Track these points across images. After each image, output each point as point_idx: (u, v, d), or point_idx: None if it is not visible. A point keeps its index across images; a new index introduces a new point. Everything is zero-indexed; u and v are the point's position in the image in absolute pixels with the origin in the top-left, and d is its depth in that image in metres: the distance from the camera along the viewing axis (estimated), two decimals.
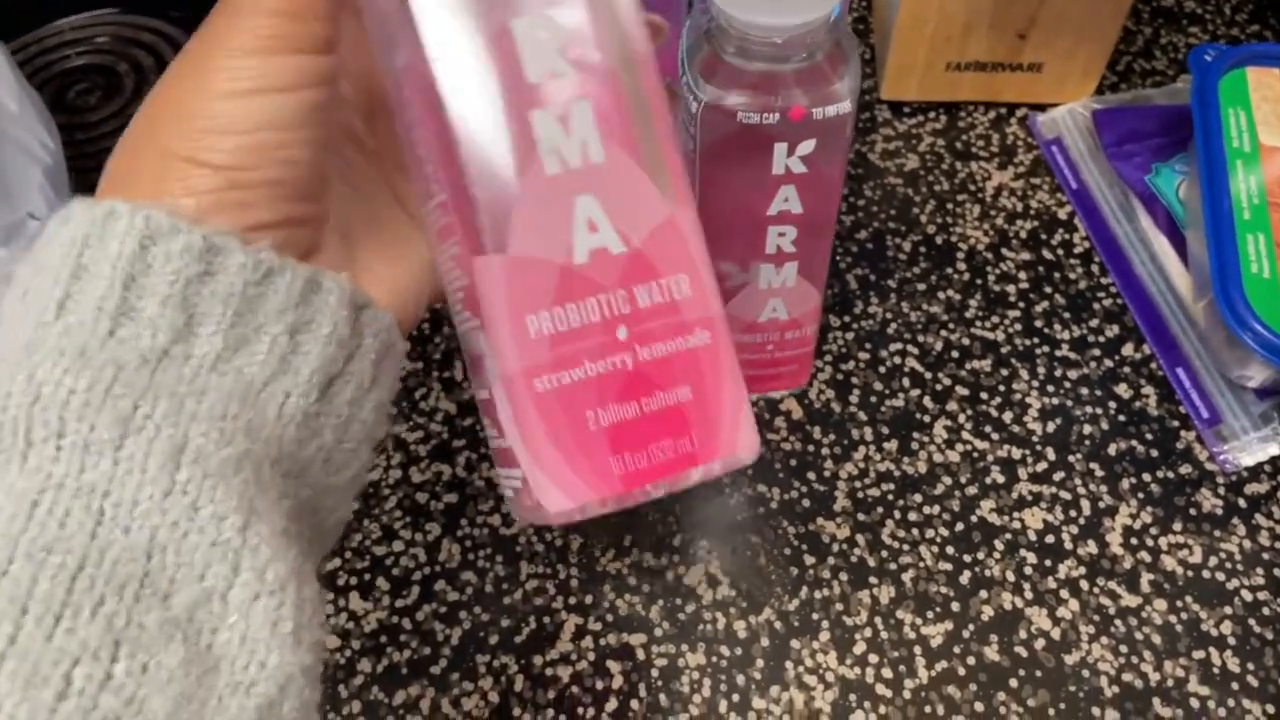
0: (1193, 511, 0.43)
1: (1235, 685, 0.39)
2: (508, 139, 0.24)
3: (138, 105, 0.48)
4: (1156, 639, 0.40)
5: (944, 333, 0.48)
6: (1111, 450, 0.44)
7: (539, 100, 0.24)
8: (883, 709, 0.39)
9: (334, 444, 0.24)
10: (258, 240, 0.22)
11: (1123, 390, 0.46)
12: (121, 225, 0.21)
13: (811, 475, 0.44)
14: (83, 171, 0.54)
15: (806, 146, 0.35)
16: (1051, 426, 0.45)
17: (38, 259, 0.22)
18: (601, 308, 0.25)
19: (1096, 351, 0.47)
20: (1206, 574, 0.41)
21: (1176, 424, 0.45)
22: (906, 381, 0.46)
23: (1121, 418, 0.45)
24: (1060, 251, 0.50)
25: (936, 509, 0.43)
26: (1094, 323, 0.48)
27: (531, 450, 0.24)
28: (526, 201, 0.24)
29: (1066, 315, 0.48)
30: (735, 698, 0.39)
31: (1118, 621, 0.40)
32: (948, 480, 0.44)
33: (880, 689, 0.39)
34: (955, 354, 0.47)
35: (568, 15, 0.24)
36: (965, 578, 0.41)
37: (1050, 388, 0.46)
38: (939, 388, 0.46)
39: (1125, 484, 0.44)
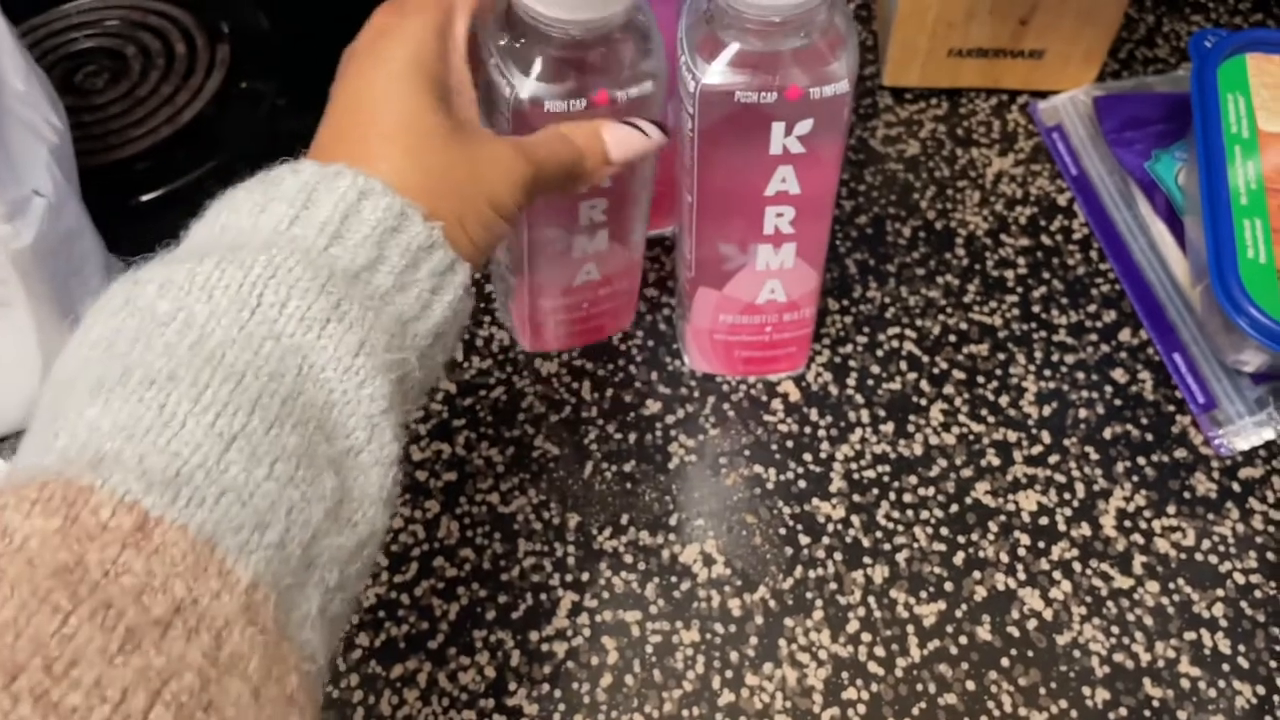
0: (1187, 495, 0.43)
1: (1226, 666, 0.39)
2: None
3: (144, 88, 0.49)
4: (1148, 620, 0.40)
5: (942, 317, 0.48)
6: (1107, 434, 0.45)
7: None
8: (875, 687, 0.39)
9: (423, 380, 0.30)
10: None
11: (1119, 375, 0.46)
12: (346, 180, 0.28)
13: (808, 456, 0.44)
14: (91, 152, 0.54)
15: (804, 127, 0.35)
16: (1047, 410, 0.45)
17: (270, 191, 0.28)
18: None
19: (1094, 336, 0.47)
20: (1199, 557, 0.42)
21: (1172, 408, 0.45)
22: (904, 365, 0.47)
23: (1117, 402, 0.46)
24: (1059, 237, 0.51)
25: (931, 491, 0.43)
26: (1091, 308, 0.48)
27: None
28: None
29: (1064, 301, 0.48)
30: (728, 674, 0.39)
31: (1110, 603, 0.41)
32: (943, 463, 0.44)
33: (873, 667, 0.39)
34: (953, 338, 0.47)
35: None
36: (959, 558, 0.42)
37: (1047, 372, 0.46)
38: (936, 371, 0.46)
39: (1120, 467, 0.44)
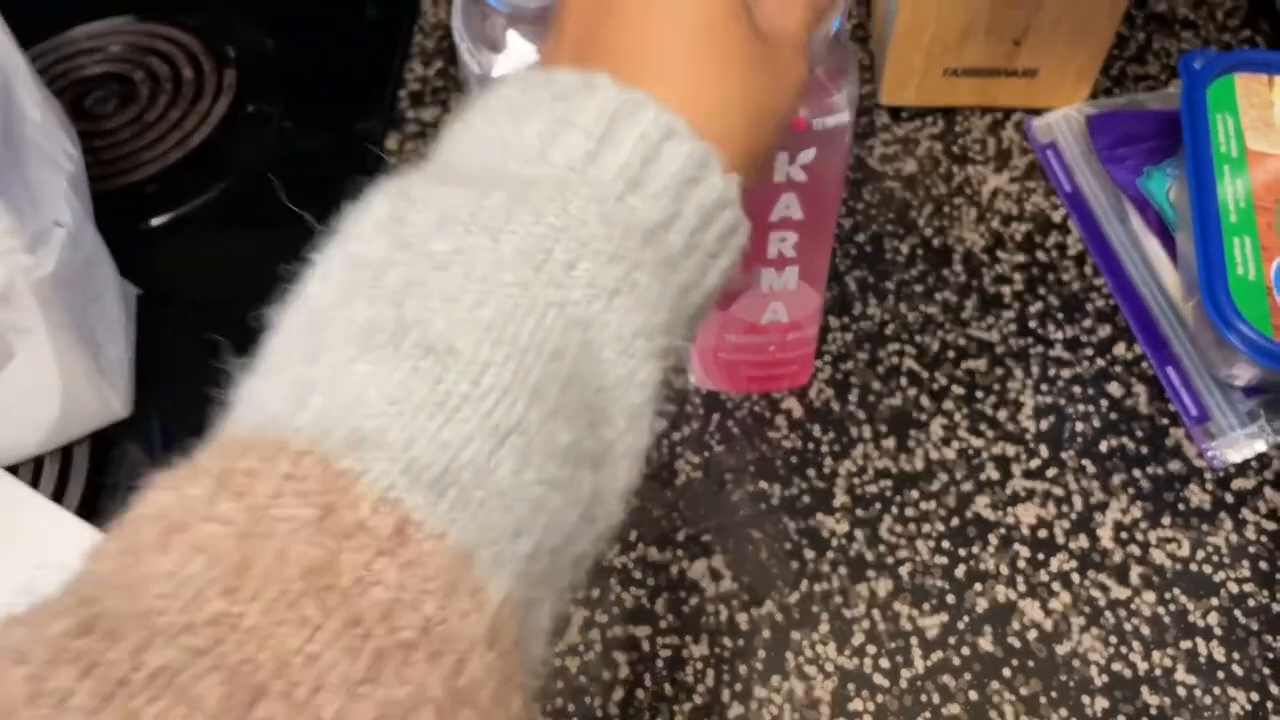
0: (1181, 506, 0.44)
1: (1221, 674, 0.40)
2: None
3: (153, 112, 0.49)
4: (1145, 630, 0.41)
5: (940, 333, 0.49)
6: (1103, 447, 0.46)
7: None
8: (880, 698, 0.40)
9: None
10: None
11: (1114, 389, 0.47)
12: (649, 115, 0.24)
13: (811, 472, 0.45)
14: (101, 178, 0.55)
15: (806, 156, 0.36)
16: (1045, 424, 0.46)
17: (562, 111, 0.24)
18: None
19: (1089, 351, 0.48)
20: (1194, 567, 0.43)
21: (1166, 421, 0.46)
22: (904, 381, 0.48)
23: (1113, 415, 0.47)
24: (1054, 253, 0.52)
25: (933, 504, 0.44)
26: (1087, 323, 0.49)
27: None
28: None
29: (1060, 316, 0.50)
30: (738, 687, 0.40)
31: (1108, 613, 0.42)
32: (944, 477, 0.45)
33: (878, 678, 0.40)
34: (951, 354, 0.48)
35: None
36: (960, 571, 0.43)
37: (1044, 386, 0.47)
38: (935, 387, 0.47)
39: (1116, 480, 0.45)
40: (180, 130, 0.58)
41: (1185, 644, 0.41)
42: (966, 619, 0.42)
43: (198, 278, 0.53)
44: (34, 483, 0.45)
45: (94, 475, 0.46)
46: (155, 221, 0.55)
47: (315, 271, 0.23)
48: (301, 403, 0.20)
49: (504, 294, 0.21)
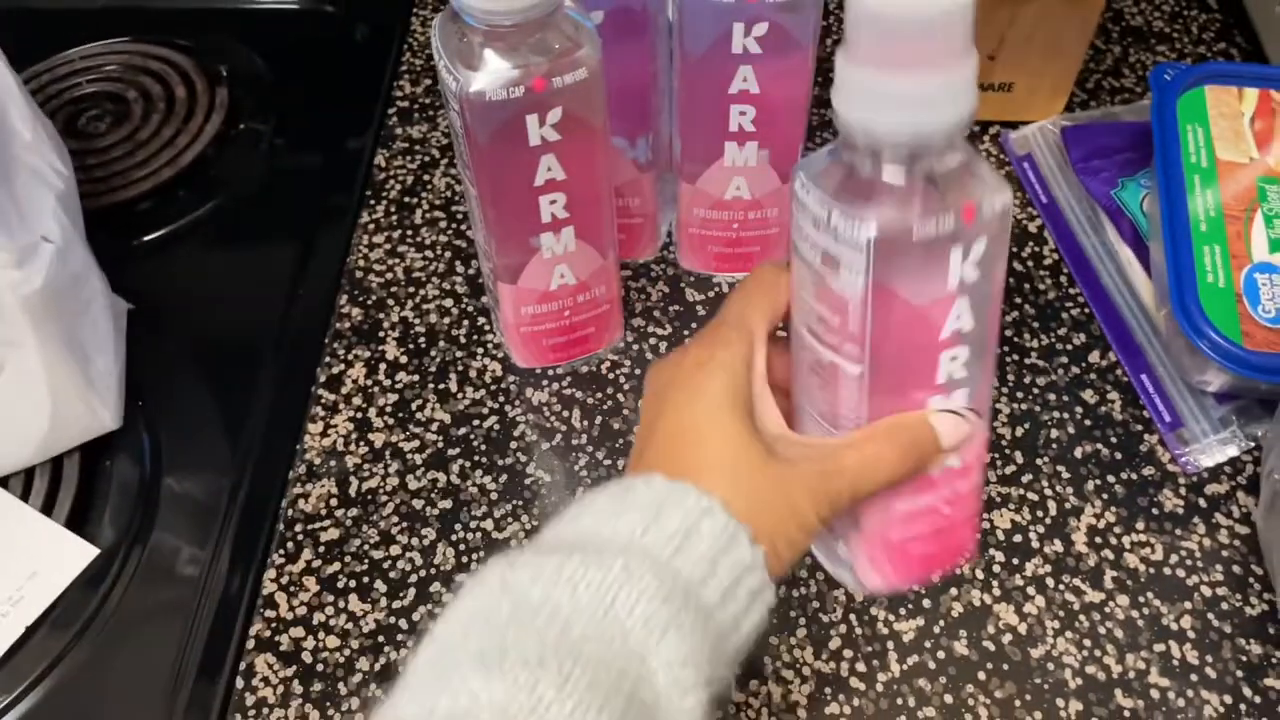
0: (1155, 511, 0.45)
1: (1194, 677, 0.41)
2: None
3: (146, 130, 0.50)
4: (1119, 633, 0.42)
5: None
6: (1078, 453, 0.46)
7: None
8: (856, 701, 0.40)
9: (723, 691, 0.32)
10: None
11: (1089, 396, 0.48)
12: (691, 498, 0.30)
13: None
14: (94, 195, 0.56)
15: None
16: (1020, 431, 0.47)
17: (627, 499, 0.31)
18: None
19: (1064, 359, 0.49)
20: (1168, 570, 0.43)
21: (1140, 428, 0.47)
22: None
23: (1087, 422, 0.47)
24: (1030, 263, 0.52)
25: None
26: (1062, 331, 0.50)
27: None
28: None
29: (1036, 324, 0.50)
30: None
31: (1082, 617, 0.42)
32: None
33: (854, 682, 0.41)
34: None
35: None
36: (936, 576, 0.43)
37: (1020, 394, 0.48)
38: None
39: (1090, 485, 0.45)
40: (173, 148, 0.59)
41: (1159, 647, 0.42)
42: (942, 623, 0.42)
43: (189, 293, 0.54)
44: (24, 495, 0.46)
45: (84, 487, 0.46)
46: (147, 238, 0.56)
47: (440, 619, 0.29)
48: (430, 710, 0.26)
49: (581, 627, 0.27)
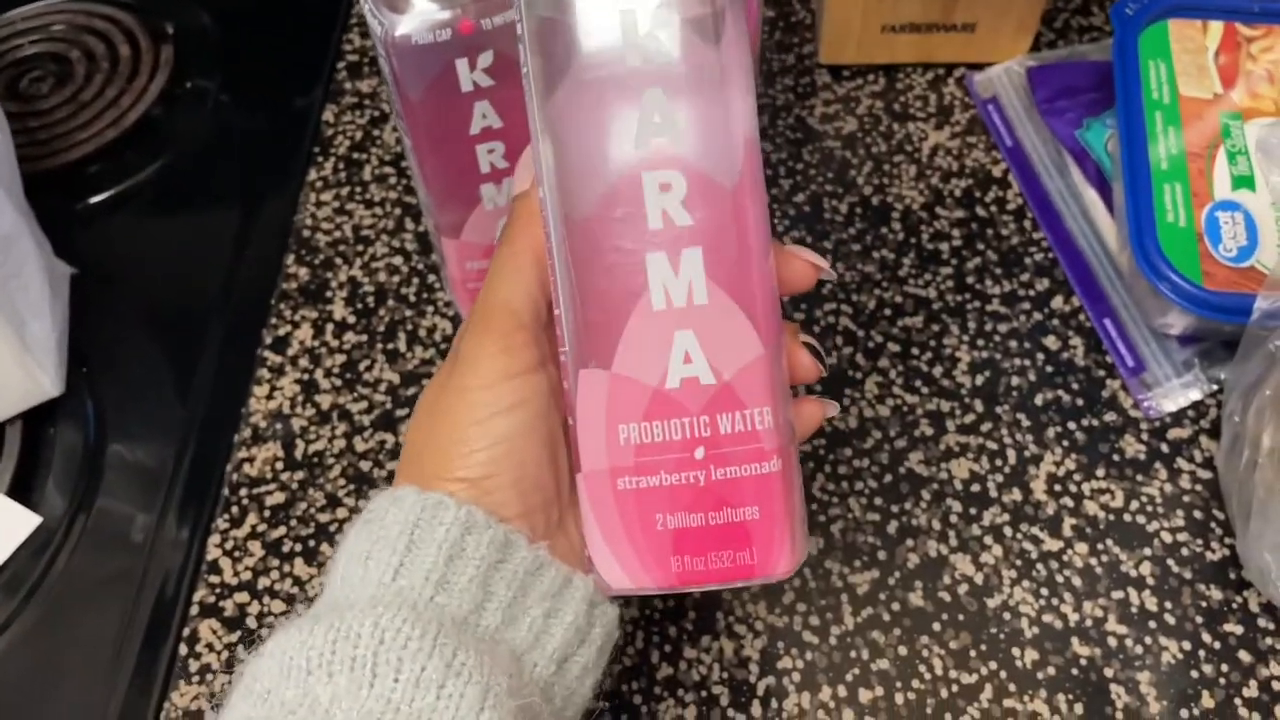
0: (1116, 457, 0.44)
1: (1153, 624, 0.40)
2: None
3: (89, 90, 0.49)
4: (1077, 581, 0.41)
5: (877, 291, 0.49)
6: (1038, 400, 0.45)
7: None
8: (809, 655, 0.40)
9: (560, 710, 0.29)
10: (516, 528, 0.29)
11: (1051, 342, 0.47)
12: (449, 515, 0.28)
13: None
14: (38, 157, 0.55)
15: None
16: (980, 379, 0.46)
17: (373, 530, 0.28)
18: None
19: (1026, 305, 0.48)
20: (1128, 517, 0.43)
21: (1103, 373, 0.46)
22: (840, 340, 0.47)
23: (1049, 369, 0.46)
24: (994, 208, 0.51)
25: (866, 462, 0.44)
26: (1025, 277, 0.49)
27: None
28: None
29: (998, 271, 0.49)
30: (667, 648, 0.40)
31: (1039, 565, 0.41)
32: (877, 434, 0.45)
33: (807, 635, 0.40)
34: (888, 312, 0.48)
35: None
36: (892, 527, 0.42)
37: (980, 341, 0.47)
38: (871, 345, 0.47)
39: (1051, 433, 0.45)
40: (117, 108, 0.57)
41: (1117, 594, 0.41)
42: (897, 574, 0.41)
43: (135, 256, 0.53)
44: None
45: (26, 455, 0.46)
46: (93, 200, 0.55)
47: None
48: None
49: (342, 718, 0.25)
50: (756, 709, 0.39)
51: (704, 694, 0.39)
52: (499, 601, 0.28)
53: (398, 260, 0.50)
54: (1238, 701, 0.38)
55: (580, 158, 0.29)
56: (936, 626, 0.40)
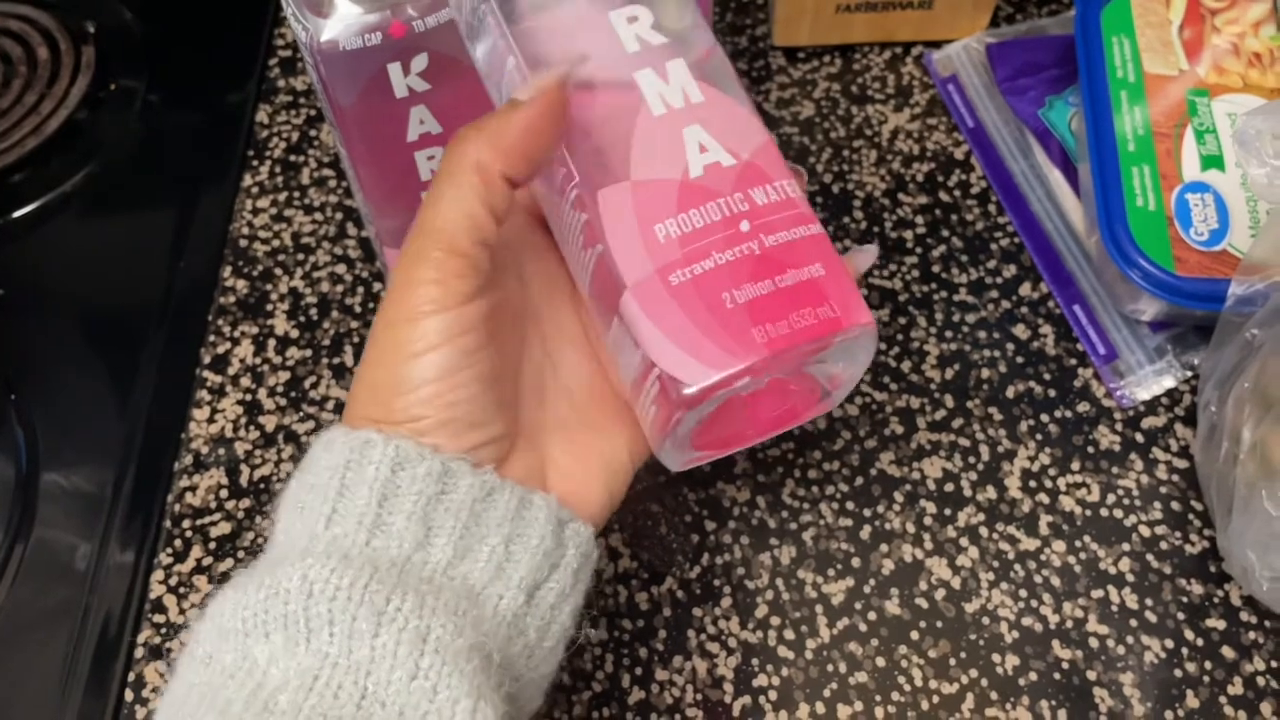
0: (1090, 450, 0.43)
1: (1134, 622, 0.39)
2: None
3: (7, 97, 0.47)
4: (1055, 580, 0.40)
5: None
6: (1010, 393, 0.44)
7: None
8: (785, 671, 0.38)
9: (536, 642, 0.28)
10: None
11: (1020, 331, 0.46)
12: (377, 452, 0.26)
13: None
14: None
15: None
16: (950, 373, 0.45)
17: (307, 479, 0.27)
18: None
19: (994, 293, 0.47)
20: (1104, 512, 0.41)
21: (1074, 362, 0.45)
22: None
23: (1019, 359, 0.45)
24: (957, 193, 0.50)
25: (836, 465, 0.43)
26: (991, 264, 0.48)
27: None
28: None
29: (964, 258, 0.48)
30: (638, 671, 0.39)
31: (1017, 566, 0.40)
32: (847, 435, 0.43)
33: (782, 650, 0.39)
34: None
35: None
36: (865, 532, 0.41)
37: (948, 333, 0.46)
38: None
39: (1024, 426, 0.43)
40: (38, 114, 0.54)
41: (1097, 593, 0.40)
42: (872, 582, 0.40)
43: (63, 272, 0.50)
44: None
45: None
46: (16, 214, 0.52)
47: (165, 690, 0.26)
48: None
49: (278, 676, 0.24)
50: None
51: (678, 717, 0.38)
52: (447, 535, 0.26)
53: (340, 269, 0.48)
54: (1223, 700, 0.38)
55: (550, 31, 0.29)
56: (914, 635, 0.39)
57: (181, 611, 0.40)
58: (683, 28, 0.30)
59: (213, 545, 0.41)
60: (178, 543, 0.41)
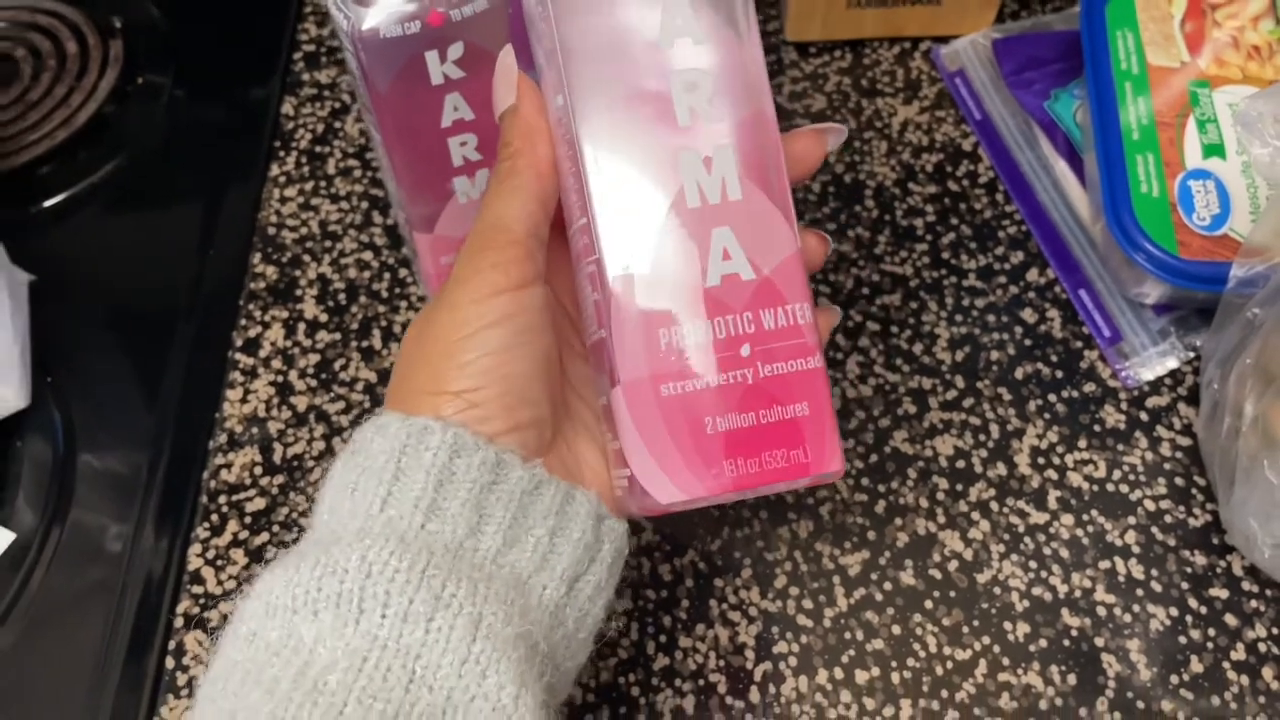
0: (1097, 428, 0.44)
1: (1140, 591, 0.41)
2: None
3: (37, 90, 0.47)
4: (1064, 552, 0.42)
5: (854, 270, 0.49)
6: (1018, 374, 0.46)
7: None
8: (804, 638, 0.40)
9: (573, 632, 0.29)
10: (503, 444, 0.28)
11: (1028, 315, 0.47)
12: (435, 438, 0.27)
13: None
14: None
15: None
16: (960, 355, 0.46)
17: (358, 460, 0.28)
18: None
19: (1002, 279, 0.48)
20: (1111, 487, 0.43)
21: (1080, 344, 0.46)
22: None
23: (1027, 342, 0.46)
24: (965, 183, 0.51)
25: (851, 443, 0.44)
26: (999, 251, 0.49)
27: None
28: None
29: (973, 245, 0.49)
30: (662, 638, 0.40)
31: (1027, 539, 0.42)
32: (861, 414, 0.45)
33: (801, 619, 0.40)
34: (866, 290, 0.48)
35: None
36: (880, 507, 0.43)
37: (958, 317, 0.47)
38: (850, 324, 0.47)
39: (1032, 406, 0.45)
40: (67, 107, 0.56)
41: (1104, 564, 0.41)
42: (887, 554, 0.42)
43: (95, 259, 0.51)
44: None
45: None
46: (47, 204, 0.53)
47: (205, 676, 0.27)
48: None
49: (326, 656, 0.24)
50: (755, 695, 0.39)
51: (701, 683, 0.39)
52: (497, 524, 0.27)
53: (367, 255, 0.49)
54: (1225, 665, 0.39)
55: (602, 64, 0.28)
56: (929, 604, 0.40)
57: (219, 583, 0.41)
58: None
59: (248, 519, 0.43)
60: (214, 517, 0.43)
